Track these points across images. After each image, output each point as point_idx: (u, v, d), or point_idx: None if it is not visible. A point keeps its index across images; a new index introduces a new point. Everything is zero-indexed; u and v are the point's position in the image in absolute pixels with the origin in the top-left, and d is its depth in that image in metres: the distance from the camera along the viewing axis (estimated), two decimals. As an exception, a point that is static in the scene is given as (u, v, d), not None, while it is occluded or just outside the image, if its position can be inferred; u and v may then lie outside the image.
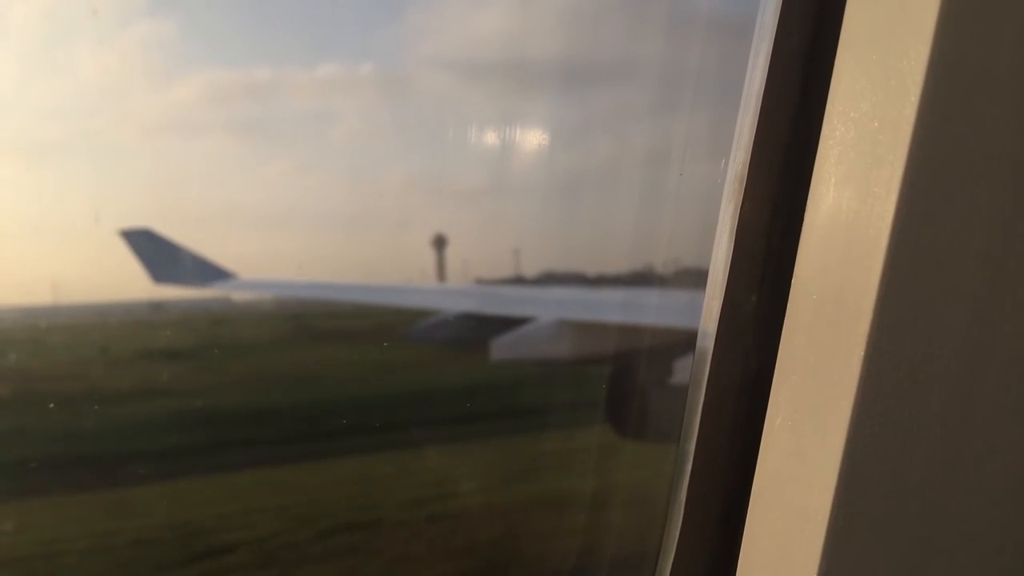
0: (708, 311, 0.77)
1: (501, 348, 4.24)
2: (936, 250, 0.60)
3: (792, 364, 0.68)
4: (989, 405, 0.65)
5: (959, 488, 0.66)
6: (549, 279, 4.93)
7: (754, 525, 0.72)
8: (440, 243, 4.34)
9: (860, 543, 0.64)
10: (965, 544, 0.68)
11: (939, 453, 0.65)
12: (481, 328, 4.47)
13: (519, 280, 4.92)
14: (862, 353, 0.60)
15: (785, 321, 0.68)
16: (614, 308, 3.55)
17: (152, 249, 3.52)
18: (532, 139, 2.05)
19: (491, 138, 2.00)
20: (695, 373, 0.78)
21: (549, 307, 4.33)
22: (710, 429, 0.76)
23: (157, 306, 3.59)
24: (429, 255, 4.51)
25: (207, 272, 4.11)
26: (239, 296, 4.45)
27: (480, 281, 5.09)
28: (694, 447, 0.77)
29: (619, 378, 2.75)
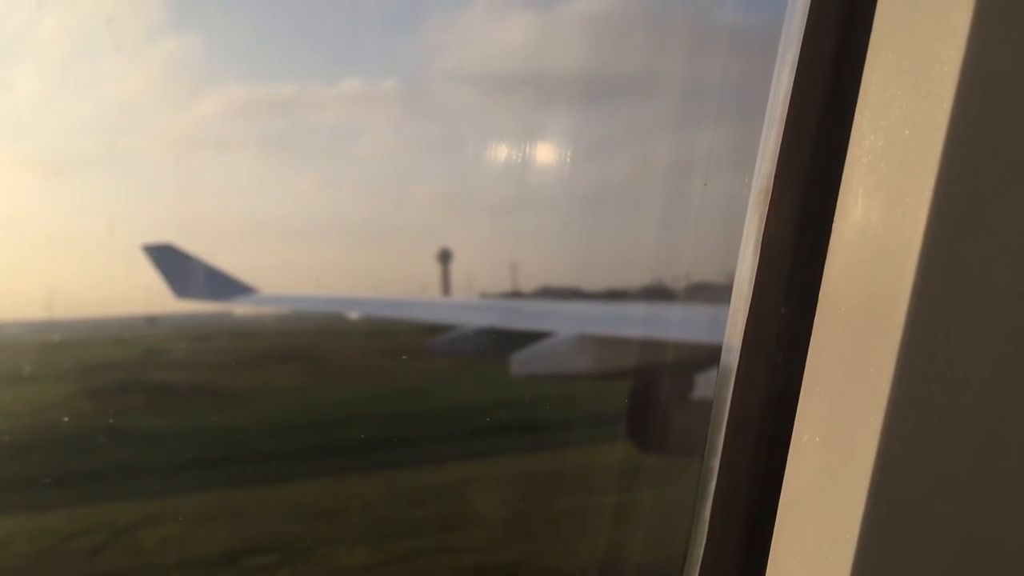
0: (733, 325, 0.75)
1: (521, 363, 4.23)
2: (969, 261, 0.59)
3: (820, 379, 0.66)
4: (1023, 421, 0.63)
5: (993, 506, 0.64)
6: (567, 294, 4.91)
7: (781, 545, 0.70)
8: (445, 257, 4.34)
9: (891, 563, 0.62)
10: (1000, 565, 0.66)
11: (972, 470, 0.63)
12: (501, 342, 4.46)
13: (536, 295, 4.91)
14: (892, 368, 0.59)
15: (812, 335, 0.67)
16: (636, 323, 3.53)
17: (174, 264, 3.54)
18: (553, 153, 2.05)
19: (512, 153, 2.00)
20: (720, 389, 0.77)
21: (568, 321, 4.31)
22: (736, 446, 0.74)
23: (151, 321, 3.58)
24: (435, 269, 4.51)
25: (228, 287, 4.13)
26: (242, 311, 4.42)
27: (485, 295, 5.09)
28: (719, 464, 0.76)
29: (641, 393, 2.73)
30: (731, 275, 0.77)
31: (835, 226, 0.65)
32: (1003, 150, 0.57)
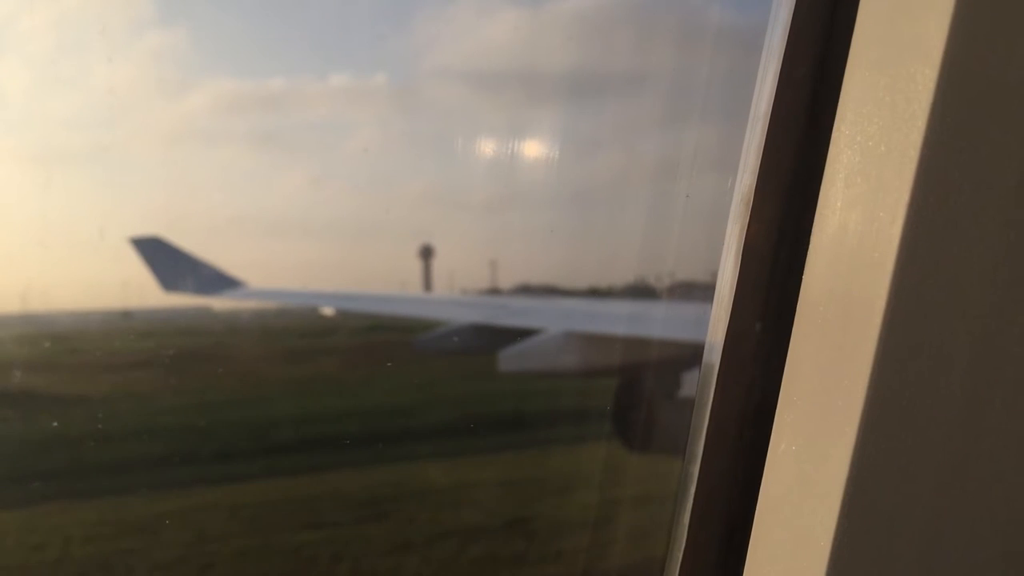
0: (714, 329, 0.76)
1: (509, 360, 4.23)
2: (942, 275, 0.60)
3: (797, 389, 0.67)
4: (997, 431, 0.64)
5: (966, 516, 0.65)
6: (551, 292, 4.91)
7: (757, 551, 0.71)
8: (427, 253, 4.32)
9: (864, 571, 0.63)
10: (972, 573, 0.67)
11: (945, 480, 0.64)
12: (488, 339, 4.46)
13: (520, 292, 4.90)
14: (867, 378, 0.60)
15: (790, 346, 0.68)
16: (621, 321, 3.54)
17: (162, 257, 3.53)
18: (539, 151, 2.05)
19: (498, 150, 2.01)
20: (700, 393, 0.78)
21: (554, 319, 4.31)
22: (714, 452, 0.76)
23: (126, 316, 3.50)
24: (416, 265, 4.46)
25: (216, 281, 4.12)
26: (223, 306, 4.35)
27: (465, 291, 5.07)
28: (698, 470, 0.77)
29: (627, 391, 2.74)
30: (714, 274, 0.78)
31: (813, 238, 0.66)
32: (976, 167, 0.59)
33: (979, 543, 0.66)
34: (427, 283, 4.75)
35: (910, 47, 0.58)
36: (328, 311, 5.20)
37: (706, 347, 0.78)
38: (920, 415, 0.62)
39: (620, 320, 3.56)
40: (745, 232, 0.72)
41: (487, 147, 2.09)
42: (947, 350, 0.61)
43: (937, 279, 0.60)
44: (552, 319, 4.29)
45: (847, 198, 0.63)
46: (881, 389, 0.60)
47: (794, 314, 0.67)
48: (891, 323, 0.59)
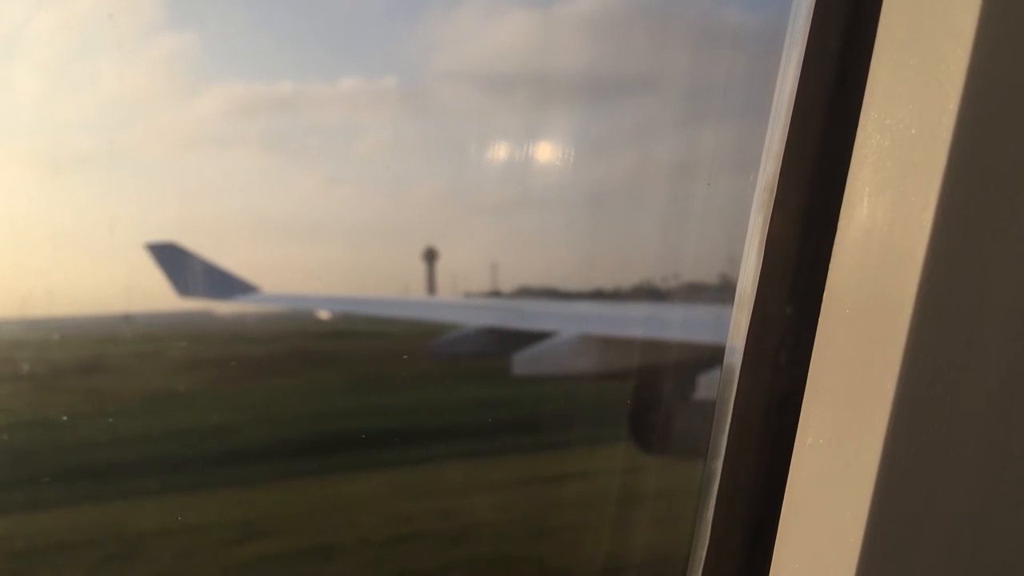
0: (736, 326, 0.75)
1: (523, 363, 4.22)
2: (976, 262, 0.58)
3: (824, 381, 0.65)
4: None
5: (1000, 511, 0.64)
6: (566, 295, 4.90)
7: (784, 549, 0.69)
8: (430, 256, 4.30)
9: (895, 569, 0.62)
10: (1007, 570, 0.65)
11: (978, 474, 0.62)
12: (503, 342, 4.46)
13: (531, 295, 4.89)
14: (897, 370, 0.58)
15: (816, 337, 0.66)
16: (638, 323, 3.53)
17: (177, 263, 3.54)
18: (553, 153, 2.04)
19: (510, 152, 2.00)
20: (722, 389, 0.76)
21: (568, 321, 4.31)
22: (738, 448, 0.74)
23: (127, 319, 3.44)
24: (420, 268, 4.42)
25: (231, 286, 4.13)
26: (223, 309, 4.29)
27: (470, 294, 5.05)
28: (721, 466, 0.75)
29: (642, 393, 2.73)
30: (728, 276, 0.77)
31: (840, 226, 0.64)
32: (1010, 149, 0.57)
33: (1016, 539, 0.64)
34: (431, 286, 4.75)
35: (940, 25, 0.56)
36: (326, 315, 5.18)
37: (727, 346, 0.76)
38: (953, 407, 0.60)
39: (637, 323, 3.55)
40: (769, 221, 0.70)
41: (501, 149, 2.09)
42: (981, 339, 0.59)
43: (970, 267, 0.58)
44: (566, 322, 4.29)
45: (876, 183, 0.61)
46: (912, 380, 0.58)
47: (820, 304, 0.66)
48: (922, 312, 0.57)
